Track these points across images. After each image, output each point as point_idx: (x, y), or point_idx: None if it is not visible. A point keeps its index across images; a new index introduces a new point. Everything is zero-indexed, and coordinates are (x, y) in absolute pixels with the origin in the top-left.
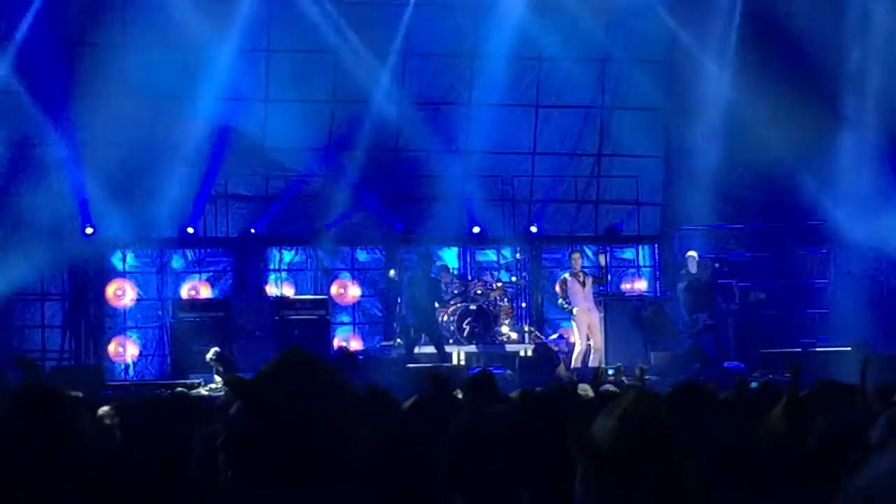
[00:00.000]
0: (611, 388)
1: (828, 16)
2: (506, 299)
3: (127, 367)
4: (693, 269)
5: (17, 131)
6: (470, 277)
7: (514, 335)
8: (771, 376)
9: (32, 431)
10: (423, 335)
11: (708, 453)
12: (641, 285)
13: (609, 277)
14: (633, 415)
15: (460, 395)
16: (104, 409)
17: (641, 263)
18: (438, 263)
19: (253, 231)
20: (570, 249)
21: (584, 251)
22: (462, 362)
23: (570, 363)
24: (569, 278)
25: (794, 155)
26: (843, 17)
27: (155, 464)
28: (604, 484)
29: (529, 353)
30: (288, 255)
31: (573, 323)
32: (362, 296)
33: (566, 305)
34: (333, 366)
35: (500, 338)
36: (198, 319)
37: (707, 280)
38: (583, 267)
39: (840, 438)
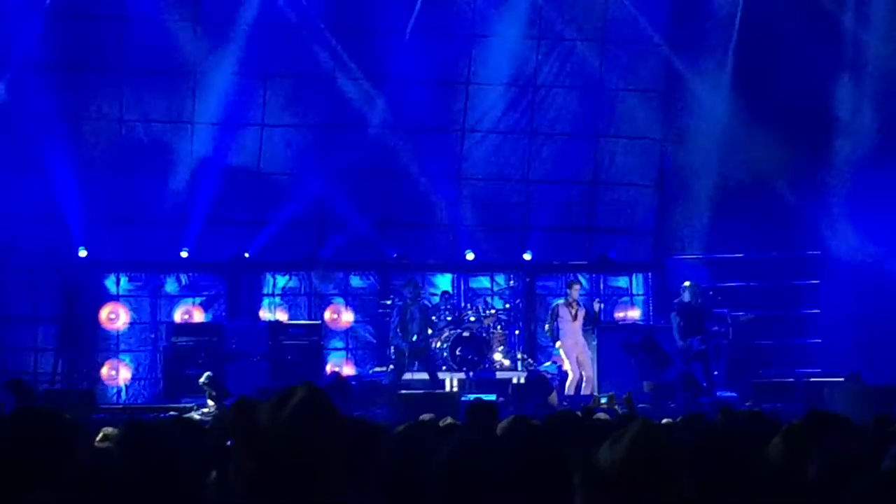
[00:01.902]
0: (603, 416)
1: (822, 45)
2: (499, 326)
3: (119, 390)
4: (687, 297)
5: (12, 153)
6: (463, 304)
7: (506, 362)
8: (763, 406)
9: (30, 454)
10: (416, 362)
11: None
12: (635, 314)
13: (601, 319)
14: (641, 444)
15: (449, 422)
16: (108, 429)
17: (635, 292)
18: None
19: (247, 255)
20: (563, 277)
21: (580, 281)
22: (454, 389)
23: (563, 391)
24: (562, 307)
25: (789, 185)
26: (836, 46)
27: (150, 485)
28: None
29: (522, 380)
30: (282, 280)
31: (560, 351)
32: (355, 321)
33: (552, 333)
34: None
35: (492, 365)
36: (191, 343)
37: (699, 305)
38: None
39: (839, 469)
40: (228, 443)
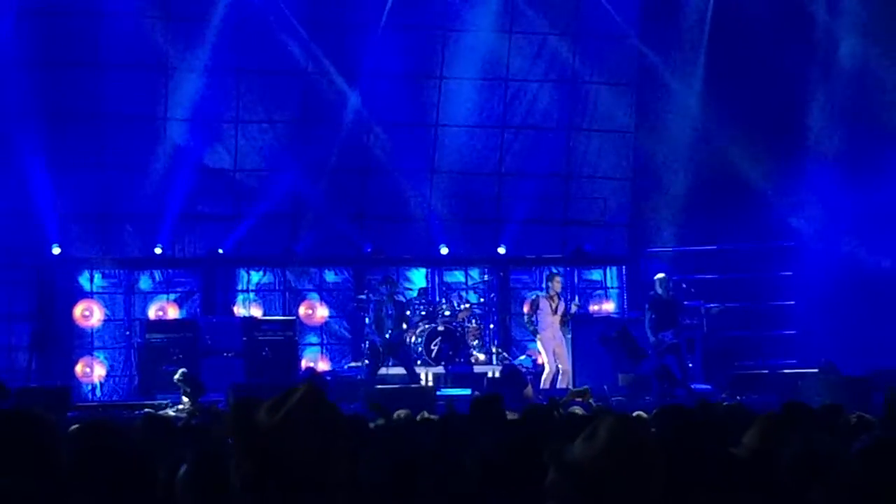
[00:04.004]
0: (578, 410)
1: (794, 38)
2: (474, 320)
3: (94, 387)
4: (659, 290)
5: None
6: (438, 298)
7: (481, 356)
8: (739, 398)
9: (9, 455)
10: (391, 357)
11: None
12: (609, 307)
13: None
14: (616, 439)
15: (428, 416)
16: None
17: (609, 285)
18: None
19: (221, 252)
20: (538, 271)
21: (560, 274)
22: (430, 383)
23: (539, 385)
24: (542, 299)
25: (762, 177)
26: (808, 38)
27: (120, 486)
28: None
29: (497, 374)
30: (256, 276)
31: (538, 344)
32: (330, 317)
33: (531, 326)
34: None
35: (468, 359)
36: (165, 340)
37: (670, 298)
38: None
39: (811, 460)
40: (230, 441)
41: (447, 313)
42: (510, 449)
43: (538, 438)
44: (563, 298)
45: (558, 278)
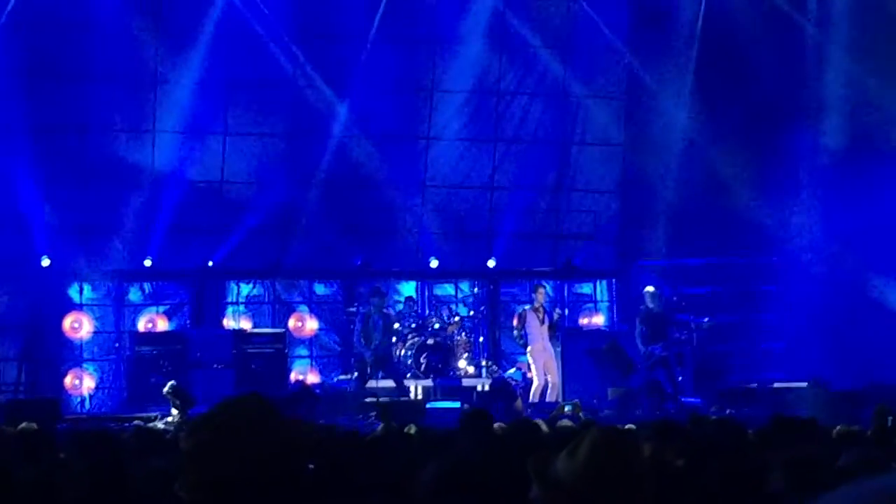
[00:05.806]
0: (568, 423)
1: (785, 52)
2: (463, 333)
3: (83, 399)
4: (650, 303)
5: None
6: (427, 311)
7: (471, 369)
8: (728, 411)
9: None
10: (380, 370)
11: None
12: (599, 320)
13: (561, 326)
14: (599, 453)
15: (413, 430)
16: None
17: (599, 298)
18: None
19: (210, 264)
20: (528, 284)
21: (544, 285)
22: (419, 396)
23: (528, 398)
24: (528, 312)
25: (751, 190)
26: (800, 54)
27: (94, 498)
28: None
29: (487, 387)
30: (245, 289)
31: (529, 357)
32: (320, 329)
33: (521, 340)
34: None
35: (457, 372)
36: (155, 352)
37: (660, 311)
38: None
39: (803, 472)
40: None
41: (437, 326)
42: (497, 462)
43: (525, 451)
44: (547, 310)
45: (542, 289)
